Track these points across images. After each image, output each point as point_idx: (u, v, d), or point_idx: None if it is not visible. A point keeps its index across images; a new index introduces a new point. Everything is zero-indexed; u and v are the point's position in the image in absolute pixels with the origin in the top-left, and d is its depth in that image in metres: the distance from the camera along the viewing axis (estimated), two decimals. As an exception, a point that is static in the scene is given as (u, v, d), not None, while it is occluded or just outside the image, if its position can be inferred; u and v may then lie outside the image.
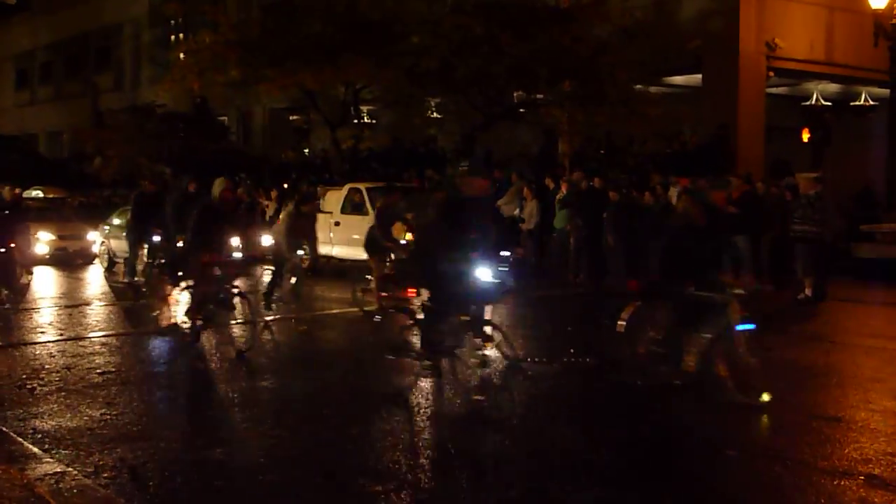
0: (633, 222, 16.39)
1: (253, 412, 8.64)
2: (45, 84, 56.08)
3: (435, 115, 27.40)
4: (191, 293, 11.46)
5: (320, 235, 18.62)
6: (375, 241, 14.13)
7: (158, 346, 11.93)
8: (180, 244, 13.00)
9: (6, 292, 14.86)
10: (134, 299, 16.01)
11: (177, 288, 12.17)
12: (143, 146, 32.64)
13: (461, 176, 9.29)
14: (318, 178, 26.58)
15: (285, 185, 26.81)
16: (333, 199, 21.22)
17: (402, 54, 23.14)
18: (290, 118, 36.60)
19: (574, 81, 22.66)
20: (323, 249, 19.23)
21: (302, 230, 14.42)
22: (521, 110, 24.76)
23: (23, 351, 11.54)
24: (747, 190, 17.15)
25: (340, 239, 20.35)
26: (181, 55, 30.46)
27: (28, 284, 15.76)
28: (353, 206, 20.58)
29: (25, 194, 26.85)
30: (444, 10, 23.73)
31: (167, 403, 9.10)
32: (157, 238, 16.00)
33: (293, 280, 14.53)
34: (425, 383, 8.99)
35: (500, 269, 8.31)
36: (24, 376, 9.85)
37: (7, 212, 15.91)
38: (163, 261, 14.87)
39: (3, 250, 14.55)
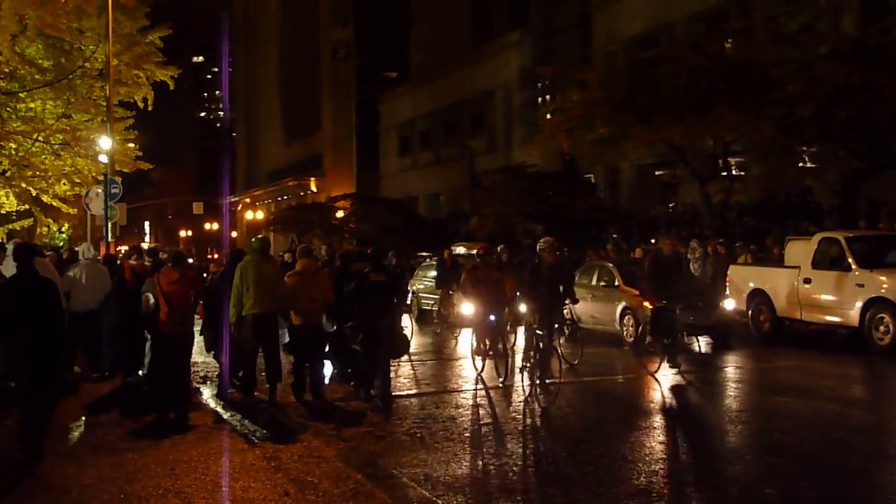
0: None
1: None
2: (424, 150, 60.45)
3: (809, 164, 26.32)
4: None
5: (783, 293, 17.93)
6: None
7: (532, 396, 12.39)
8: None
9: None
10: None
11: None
12: (517, 205, 33.95)
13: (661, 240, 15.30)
14: (689, 234, 26.40)
15: (652, 241, 26.92)
16: (799, 251, 18.13)
17: (775, 104, 22.60)
18: (657, 173, 36.72)
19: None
20: (789, 310, 18.00)
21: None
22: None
23: (411, 401, 12.52)
24: None
25: (811, 299, 17.40)
26: (549, 115, 31.70)
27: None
28: (830, 261, 17.12)
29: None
30: (816, 55, 22.93)
31: (546, 456, 9.50)
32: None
33: None
34: None
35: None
36: (414, 425, 10.72)
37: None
38: None
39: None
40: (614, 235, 28.80)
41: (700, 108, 24.49)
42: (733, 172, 28.26)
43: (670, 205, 35.09)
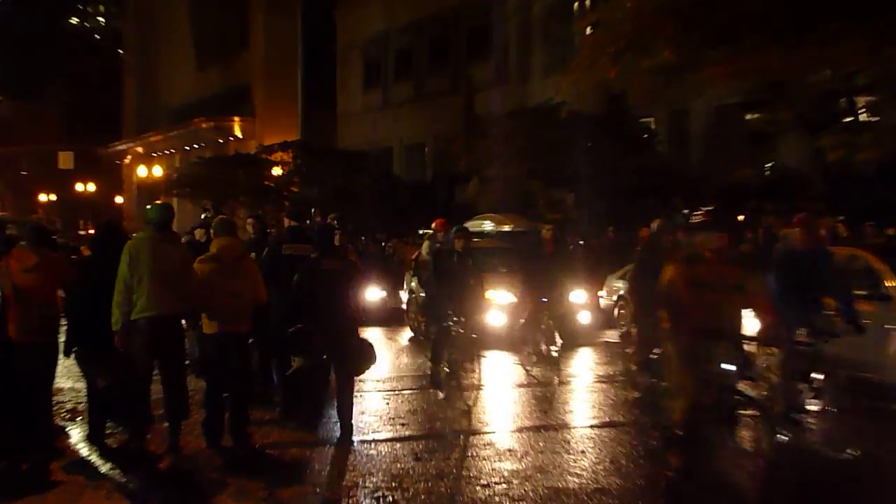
0: None
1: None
2: (400, 81, 60.29)
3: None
4: None
5: None
6: None
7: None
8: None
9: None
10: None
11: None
12: (536, 163, 33.81)
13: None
14: (791, 206, 26.38)
15: (740, 218, 26.89)
16: None
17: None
18: (746, 118, 36.64)
19: None
20: None
21: None
22: None
23: (380, 448, 12.49)
24: None
25: None
26: (588, 31, 31.57)
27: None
28: None
29: (474, 226, 28.74)
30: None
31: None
32: None
33: None
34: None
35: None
36: (383, 483, 10.78)
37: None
38: None
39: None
40: (685, 210, 28.60)
41: (808, 25, 24.39)
42: (859, 119, 28.22)
43: (767, 165, 35.06)
